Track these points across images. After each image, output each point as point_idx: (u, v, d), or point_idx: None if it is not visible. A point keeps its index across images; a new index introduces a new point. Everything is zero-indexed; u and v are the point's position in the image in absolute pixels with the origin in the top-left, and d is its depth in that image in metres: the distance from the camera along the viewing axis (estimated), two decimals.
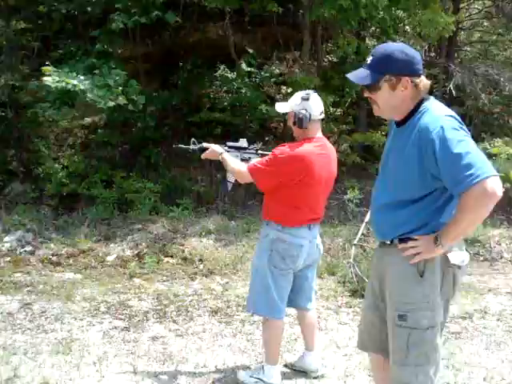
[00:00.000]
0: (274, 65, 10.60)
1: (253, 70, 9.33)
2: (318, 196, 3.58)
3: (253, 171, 3.49)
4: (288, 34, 10.55)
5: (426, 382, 2.43)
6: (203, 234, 7.48)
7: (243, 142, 3.87)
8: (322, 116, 3.61)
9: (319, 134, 3.60)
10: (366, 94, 2.53)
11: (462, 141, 2.24)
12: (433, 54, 11.86)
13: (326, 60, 10.75)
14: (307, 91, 3.59)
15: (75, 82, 7.07)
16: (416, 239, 2.39)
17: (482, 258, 7.24)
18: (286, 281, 3.59)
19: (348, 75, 2.52)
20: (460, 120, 2.37)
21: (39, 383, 3.62)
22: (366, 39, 9.84)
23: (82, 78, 7.25)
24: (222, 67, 9.34)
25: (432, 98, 2.48)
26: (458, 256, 2.42)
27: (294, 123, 3.51)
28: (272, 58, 10.93)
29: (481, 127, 10.66)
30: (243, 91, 9.16)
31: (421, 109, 2.41)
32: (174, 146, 4.09)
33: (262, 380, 3.62)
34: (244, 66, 9.32)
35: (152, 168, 9.22)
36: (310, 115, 3.47)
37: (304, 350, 3.95)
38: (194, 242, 7.25)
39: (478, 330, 4.87)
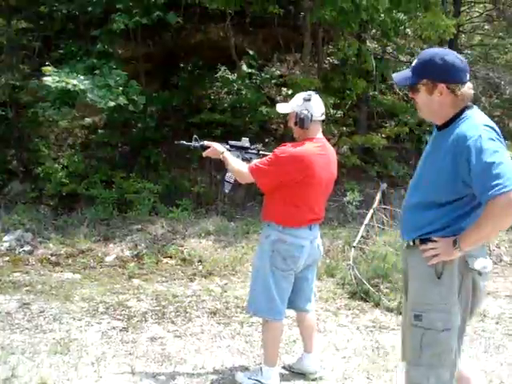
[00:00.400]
0: (274, 66, 10.62)
1: (253, 71, 9.33)
2: (318, 196, 3.58)
3: (254, 171, 3.49)
4: (289, 36, 10.57)
5: None
6: (202, 234, 7.48)
7: (245, 142, 3.88)
8: (323, 117, 3.62)
9: (320, 134, 3.61)
10: (410, 95, 2.62)
11: (496, 151, 2.28)
12: None
13: (326, 62, 10.75)
14: (309, 92, 3.60)
15: (75, 82, 7.07)
16: (436, 241, 2.43)
17: None
18: (287, 282, 3.59)
19: (393, 74, 2.61)
20: (498, 131, 2.40)
21: (37, 383, 3.61)
22: (367, 41, 9.83)
23: (82, 78, 7.26)
24: (222, 68, 9.34)
25: (475, 107, 2.51)
26: (479, 262, 2.43)
27: (296, 123, 3.52)
28: (273, 59, 10.94)
29: None
30: (244, 92, 9.17)
31: (462, 116, 2.44)
32: (176, 142, 4.09)
33: (260, 381, 3.61)
34: (245, 67, 9.32)
35: (152, 169, 9.22)
36: (312, 116, 3.49)
37: (303, 352, 3.94)
38: (194, 243, 7.25)
39: (476, 333, 4.86)
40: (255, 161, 3.64)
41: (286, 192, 3.47)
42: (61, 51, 8.89)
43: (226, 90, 9.65)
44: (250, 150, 3.86)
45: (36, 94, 8.37)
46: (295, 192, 3.46)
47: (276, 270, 3.52)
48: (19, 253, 6.91)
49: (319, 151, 3.51)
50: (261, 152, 3.86)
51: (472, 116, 2.43)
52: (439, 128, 2.55)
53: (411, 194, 2.64)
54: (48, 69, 7.24)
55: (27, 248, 7.02)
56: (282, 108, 3.70)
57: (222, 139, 4.03)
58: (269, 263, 3.52)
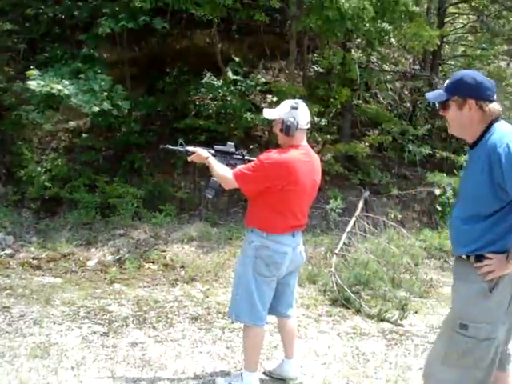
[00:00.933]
0: (260, 73, 10.64)
1: (239, 78, 9.34)
2: (301, 203, 3.61)
3: (238, 177, 3.51)
4: (274, 44, 10.63)
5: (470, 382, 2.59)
6: (185, 240, 7.47)
7: (230, 147, 3.90)
8: (308, 126, 3.67)
9: (304, 142, 3.65)
10: (441, 113, 2.82)
11: None
12: (417, 67, 11.98)
13: (311, 70, 10.80)
14: (296, 100, 3.65)
15: (59, 86, 7.04)
16: (490, 258, 2.56)
17: None
18: (269, 288, 3.61)
19: (426, 94, 2.89)
20: None
21: None
22: (352, 50, 9.90)
23: (66, 82, 7.23)
24: (208, 74, 9.34)
25: (503, 121, 2.70)
26: None
27: (281, 130, 3.56)
28: (258, 66, 10.97)
29: (462, 140, 10.72)
30: (229, 99, 9.19)
31: (490, 130, 2.64)
32: (161, 146, 4.10)
33: None
34: (230, 74, 9.33)
35: (135, 173, 9.19)
36: (298, 124, 3.53)
37: (283, 358, 3.96)
38: (176, 249, 7.24)
39: None
40: (240, 166, 3.66)
41: (269, 198, 3.50)
42: (46, 54, 8.85)
43: (211, 96, 9.64)
44: (235, 156, 3.88)
45: (20, 97, 8.32)
46: (279, 198, 3.49)
47: (258, 277, 3.54)
48: (0, 256, 6.85)
49: (304, 158, 3.55)
50: (246, 157, 3.89)
51: (499, 127, 2.63)
52: (471, 146, 2.74)
53: (456, 210, 2.80)
54: (32, 73, 7.21)
55: (8, 251, 6.97)
56: (268, 114, 3.73)
57: (207, 145, 4.05)
58: (251, 269, 3.54)
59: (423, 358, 4.46)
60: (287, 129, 3.52)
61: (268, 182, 3.46)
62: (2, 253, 6.90)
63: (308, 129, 3.71)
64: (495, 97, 2.68)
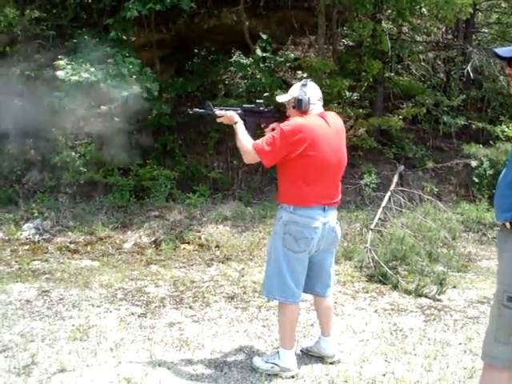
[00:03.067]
0: (288, 50, 10.52)
1: (268, 55, 9.25)
2: (327, 171, 3.55)
3: (260, 151, 3.50)
4: (303, 19, 10.46)
5: None
6: (219, 220, 7.50)
7: (260, 105, 3.87)
8: (321, 102, 3.68)
9: (321, 112, 3.66)
10: (508, 71, 2.53)
11: None
12: (450, 36, 11.66)
13: (341, 44, 10.63)
14: (304, 79, 3.71)
15: (87, 74, 7.07)
16: None
17: None
18: (300, 264, 3.58)
19: (496, 49, 2.54)
20: None
21: (56, 370, 3.65)
22: (382, 22, 9.68)
23: (94, 69, 7.25)
24: (236, 53, 9.28)
25: None
26: None
27: (294, 107, 3.59)
28: (287, 42, 10.84)
29: (499, 110, 10.51)
30: (258, 77, 9.11)
31: None
32: (188, 110, 4.04)
33: (277, 365, 3.62)
34: (259, 51, 9.23)
35: (168, 155, 9.23)
36: (309, 99, 3.56)
37: (320, 335, 3.94)
38: (211, 229, 7.27)
39: None
40: (260, 140, 3.58)
41: (293, 167, 3.49)
42: (74, 40, 8.89)
43: (240, 74, 9.59)
44: (264, 114, 3.85)
45: (51, 84, 8.39)
46: (302, 165, 3.47)
47: (288, 252, 3.52)
48: (38, 241, 6.99)
49: (321, 123, 3.55)
50: (276, 115, 3.86)
51: None
52: None
53: (503, 173, 2.54)
54: (60, 63, 7.25)
55: (46, 236, 7.10)
56: (281, 98, 3.77)
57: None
58: (281, 245, 3.53)
59: (462, 333, 4.41)
60: (299, 103, 3.54)
61: (287, 147, 3.44)
62: (40, 238, 7.04)
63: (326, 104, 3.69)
64: None
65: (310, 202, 3.51)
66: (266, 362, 3.67)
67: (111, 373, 3.62)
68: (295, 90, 3.62)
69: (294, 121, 3.50)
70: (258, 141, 3.56)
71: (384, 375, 3.67)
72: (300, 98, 3.54)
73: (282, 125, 3.50)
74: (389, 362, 3.87)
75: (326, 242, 3.63)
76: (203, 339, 4.23)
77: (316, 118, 3.57)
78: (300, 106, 3.54)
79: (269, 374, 3.61)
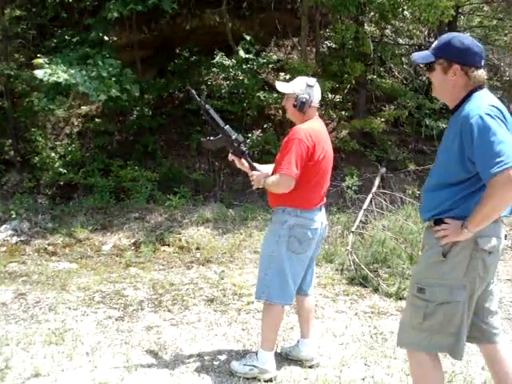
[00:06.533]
0: (271, 51, 10.50)
1: (250, 56, 9.22)
2: (327, 173, 3.63)
3: (296, 175, 3.40)
4: (286, 20, 10.46)
5: (440, 347, 2.62)
6: (200, 222, 7.44)
7: (238, 141, 3.74)
8: (318, 104, 3.68)
9: (316, 116, 3.67)
10: (427, 74, 2.76)
11: (497, 130, 2.35)
12: (432, 39, 11.69)
13: (324, 46, 10.63)
14: (311, 79, 3.65)
15: (66, 75, 6.96)
16: (447, 222, 2.55)
17: None
18: (301, 266, 3.62)
19: (413, 54, 2.74)
20: (504, 112, 2.48)
21: (31, 374, 3.57)
22: (365, 25, 9.71)
23: (74, 70, 7.14)
24: (219, 54, 9.23)
25: (485, 89, 2.60)
26: (487, 241, 2.52)
27: (295, 106, 3.56)
28: (270, 44, 10.83)
29: None
30: (241, 78, 9.09)
31: (470, 97, 2.54)
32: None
33: (255, 366, 3.57)
34: (241, 52, 9.21)
35: (149, 156, 9.16)
36: (311, 101, 3.56)
37: (299, 338, 3.90)
38: (192, 231, 7.21)
39: None
40: (282, 164, 3.44)
41: (308, 172, 3.47)
42: (55, 40, 8.80)
43: (223, 75, 9.55)
44: (233, 147, 3.73)
45: (31, 84, 8.30)
46: (316, 170, 3.50)
47: (292, 254, 3.53)
48: (16, 243, 6.88)
49: (321, 127, 3.62)
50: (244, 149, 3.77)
51: (478, 96, 2.52)
52: (452, 112, 2.64)
53: (430, 176, 2.76)
54: (39, 61, 7.15)
55: (24, 238, 6.99)
56: (282, 87, 3.67)
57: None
58: (285, 248, 3.51)
59: None
60: (301, 105, 3.53)
61: (307, 158, 3.43)
62: (18, 239, 6.92)
63: (319, 107, 3.67)
64: (483, 63, 2.56)
65: (315, 204, 3.56)
66: (244, 365, 3.62)
67: (87, 377, 3.54)
68: (299, 88, 3.55)
69: (305, 131, 3.43)
70: (283, 168, 3.41)
71: (363, 379, 3.64)
72: (303, 100, 3.51)
73: (296, 138, 3.40)
74: (368, 366, 3.84)
75: (319, 240, 3.69)
76: (181, 343, 4.17)
77: (318, 122, 3.61)
78: (301, 109, 3.53)
79: (247, 378, 3.56)
